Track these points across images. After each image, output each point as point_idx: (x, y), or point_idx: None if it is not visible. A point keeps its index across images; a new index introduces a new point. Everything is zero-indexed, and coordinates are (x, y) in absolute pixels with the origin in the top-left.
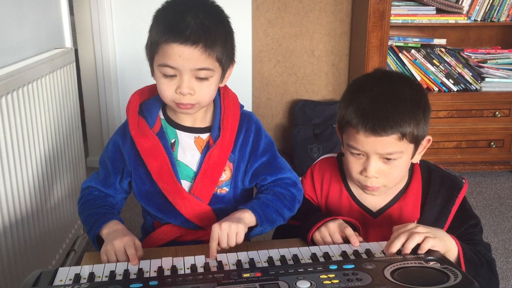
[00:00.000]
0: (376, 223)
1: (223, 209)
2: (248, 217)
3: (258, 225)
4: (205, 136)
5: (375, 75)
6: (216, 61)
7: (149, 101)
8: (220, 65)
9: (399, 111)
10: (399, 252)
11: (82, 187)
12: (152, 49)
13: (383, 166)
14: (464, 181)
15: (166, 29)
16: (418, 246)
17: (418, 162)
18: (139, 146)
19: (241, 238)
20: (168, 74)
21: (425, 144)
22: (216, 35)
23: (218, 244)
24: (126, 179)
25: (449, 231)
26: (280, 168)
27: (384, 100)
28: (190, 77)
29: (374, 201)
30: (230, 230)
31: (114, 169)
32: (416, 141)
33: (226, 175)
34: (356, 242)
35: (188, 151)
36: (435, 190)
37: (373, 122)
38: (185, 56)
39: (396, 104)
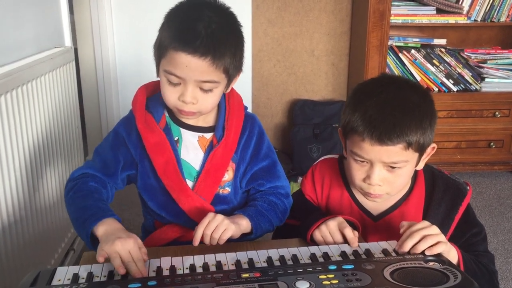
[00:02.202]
0: (376, 227)
1: (225, 209)
2: (244, 224)
3: (253, 234)
4: (208, 135)
5: (382, 80)
6: (222, 73)
7: (154, 97)
8: (226, 76)
9: (406, 120)
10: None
11: (73, 175)
12: (160, 52)
13: (387, 174)
14: (468, 188)
15: (176, 35)
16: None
17: (422, 167)
18: (145, 141)
19: (225, 237)
20: (173, 81)
21: (429, 151)
22: (226, 47)
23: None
24: (126, 172)
25: (451, 239)
26: (278, 176)
27: (391, 108)
28: (194, 87)
29: (376, 205)
30: (222, 224)
31: (115, 158)
32: (421, 149)
33: (228, 175)
34: (355, 243)
35: (192, 150)
36: (438, 197)
37: (380, 131)
38: (192, 66)
39: (404, 113)
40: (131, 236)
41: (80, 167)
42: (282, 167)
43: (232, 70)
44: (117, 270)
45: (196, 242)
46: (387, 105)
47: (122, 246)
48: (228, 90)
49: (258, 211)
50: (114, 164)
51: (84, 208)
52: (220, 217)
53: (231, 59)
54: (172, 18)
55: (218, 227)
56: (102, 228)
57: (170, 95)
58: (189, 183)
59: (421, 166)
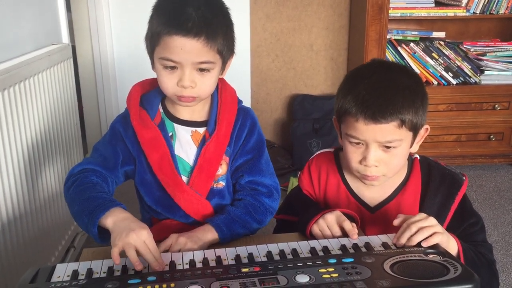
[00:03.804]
0: (373, 219)
1: (220, 203)
2: (209, 237)
3: (220, 241)
4: (202, 130)
5: (373, 64)
6: (217, 54)
7: (149, 94)
8: (220, 57)
9: (398, 98)
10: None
11: (73, 171)
12: (153, 41)
13: (383, 154)
14: (464, 178)
15: (168, 21)
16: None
17: (418, 158)
18: (140, 137)
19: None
20: (169, 66)
21: (423, 133)
22: (217, 27)
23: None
24: (125, 167)
25: (448, 229)
26: (261, 170)
27: (383, 87)
28: (191, 70)
29: (372, 196)
30: (184, 247)
31: (115, 152)
32: (415, 129)
33: (222, 169)
34: (354, 235)
35: (185, 145)
36: (434, 187)
37: (373, 109)
38: (187, 48)
39: (395, 92)
40: (144, 226)
41: (79, 164)
42: (270, 164)
43: (225, 52)
44: (134, 265)
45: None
46: (379, 86)
47: (137, 237)
48: (223, 75)
49: (230, 218)
50: (114, 158)
51: (88, 200)
52: (182, 240)
53: (223, 39)
54: (161, 8)
55: (181, 251)
56: (111, 219)
57: (168, 82)
58: (184, 178)
59: (415, 148)
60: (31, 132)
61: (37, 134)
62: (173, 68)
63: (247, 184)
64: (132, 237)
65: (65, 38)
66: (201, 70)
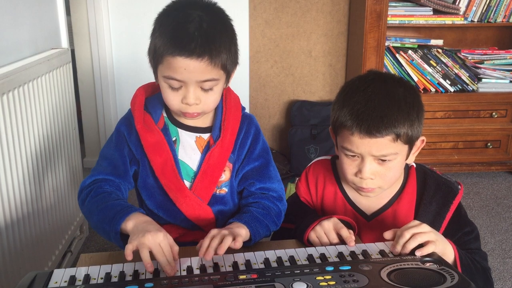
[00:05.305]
0: (370, 226)
1: (222, 210)
2: (244, 233)
3: (252, 241)
4: (206, 136)
5: (368, 76)
6: (221, 69)
7: (153, 98)
8: (224, 72)
9: (393, 112)
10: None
11: (84, 184)
12: (156, 58)
13: (378, 167)
14: (459, 187)
15: (170, 41)
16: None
17: (415, 166)
18: (143, 141)
19: (238, 245)
20: (174, 86)
21: (419, 144)
22: (221, 44)
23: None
24: (132, 169)
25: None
26: (270, 177)
27: (378, 100)
28: (195, 88)
29: (368, 204)
30: (227, 237)
31: (122, 156)
32: (410, 142)
33: (225, 176)
34: (352, 242)
35: (189, 150)
36: (429, 195)
37: (368, 123)
38: (191, 69)
39: (391, 105)
40: (161, 229)
41: (89, 175)
42: (277, 170)
43: (229, 65)
44: (145, 267)
45: (202, 253)
46: (374, 99)
47: (152, 239)
48: (228, 85)
49: (254, 217)
50: (123, 163)
51: (107, 208)
52: (225, 231)
53: (227, 55)
54: (163, 24)
55: (224, 241)
56: (131, 223)
57: (173, 99)
58: (187, 184)
59: (411, 160)
60: (30, 136)
61: (36, 139)
62: (178, 87)
63: (257, 191)
64: (147, 238)
65: (65, 43)
66: (205, 89)
